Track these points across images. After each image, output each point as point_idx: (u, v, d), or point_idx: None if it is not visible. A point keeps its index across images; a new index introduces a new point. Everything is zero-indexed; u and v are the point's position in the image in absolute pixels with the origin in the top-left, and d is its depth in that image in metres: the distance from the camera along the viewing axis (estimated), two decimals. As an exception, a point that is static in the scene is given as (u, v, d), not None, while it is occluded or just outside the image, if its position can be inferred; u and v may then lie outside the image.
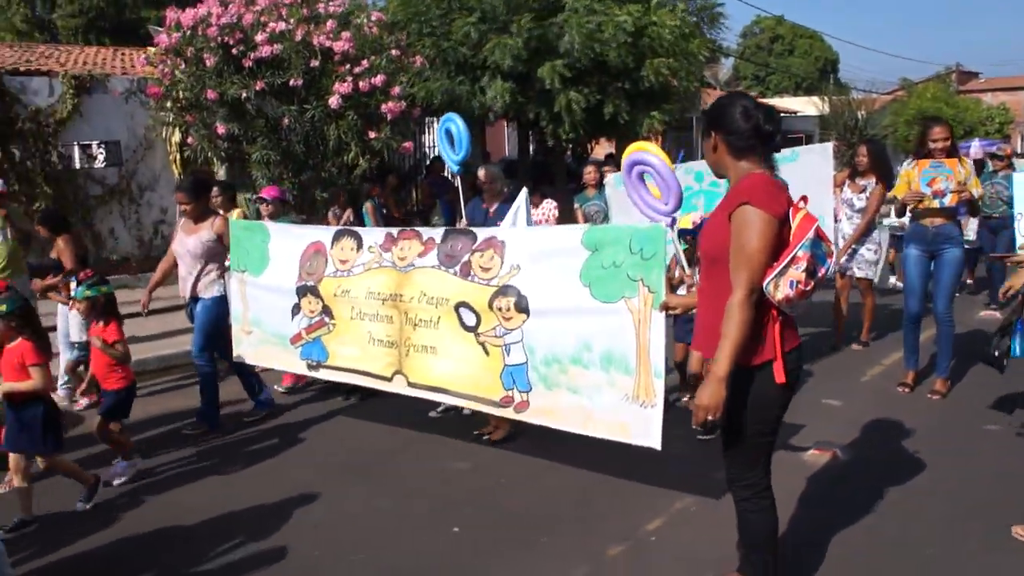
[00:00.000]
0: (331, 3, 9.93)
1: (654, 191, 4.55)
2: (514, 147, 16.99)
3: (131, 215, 12.57)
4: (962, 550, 3.87)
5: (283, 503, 4.66)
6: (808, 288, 2.89)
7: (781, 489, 4.50)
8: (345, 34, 9.38)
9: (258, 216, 7.93)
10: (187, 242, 6.05)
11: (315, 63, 9.20)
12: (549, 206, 7.96)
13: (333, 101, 9.19)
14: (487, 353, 4.64)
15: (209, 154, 10.32)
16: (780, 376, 2.96)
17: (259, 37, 8.99)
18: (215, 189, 7.26)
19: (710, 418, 2.84)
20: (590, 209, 8.67)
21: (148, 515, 4.59)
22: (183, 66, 9.40)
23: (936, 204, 5.82)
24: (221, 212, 6.82)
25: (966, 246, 9.06)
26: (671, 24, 11.31)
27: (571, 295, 4.25)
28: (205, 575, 3.91)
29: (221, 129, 9.37)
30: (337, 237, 5.52)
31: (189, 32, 9.23)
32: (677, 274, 5.51)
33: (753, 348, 2.92)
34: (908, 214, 6.23)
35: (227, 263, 6.21)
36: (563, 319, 4.32)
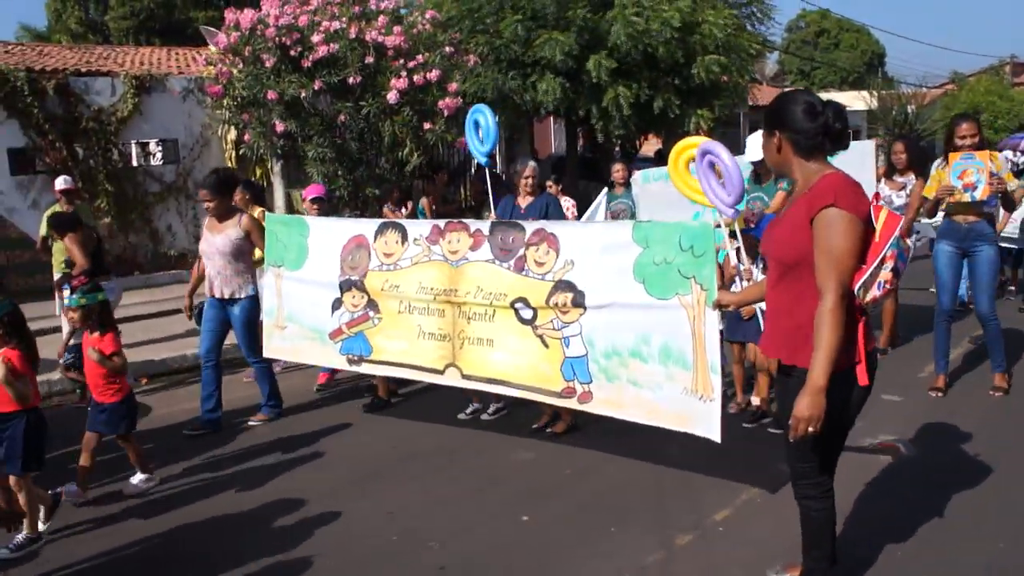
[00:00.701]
0: (383, 1, 10.08)
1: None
2: (561, 143, 17.04)
3: (187, 212, 12.85)
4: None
5: (351, 492, 4.77)
6: (893, 287, 2.89)
7: (842, 483, 4.55)
8: (397, 28, 9.52)
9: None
10: (215, 241, 5.95)
11: (370, 59, 9.34)
12: (567, 204, 7.99)
13: (392, 96, 9.32)
14: (546, 345, 4.67)
15: (264, 152, 10.55)
16: (864, 379, 2.92)
17: (315, 38, 9.15)
18: (238, 188, 7.09)
19: (810, 430, 2.76)
20: (617, 207, 8.50)
21: (214, 505, 4.72)
22: (241, 65, 9.60)
23: (967, 197, 5.64)
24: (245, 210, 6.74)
25: (1008, 244, 8.87)
26: (721, 22, 11.29)
27: (626, 290, 4.29)
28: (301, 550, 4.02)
29: (280, 127, 9.55)
30: (381, 230, 5.45)
31: (248, 32, 9.42)
32: (733, 270, 5.53)
33: (841, 352, 2.81)
34: (940, 213, 6.11)
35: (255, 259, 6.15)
36: (620, 313, 4.35)
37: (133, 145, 12.27)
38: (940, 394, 6.07)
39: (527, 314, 4.73)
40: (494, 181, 6.91)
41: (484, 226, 5.04)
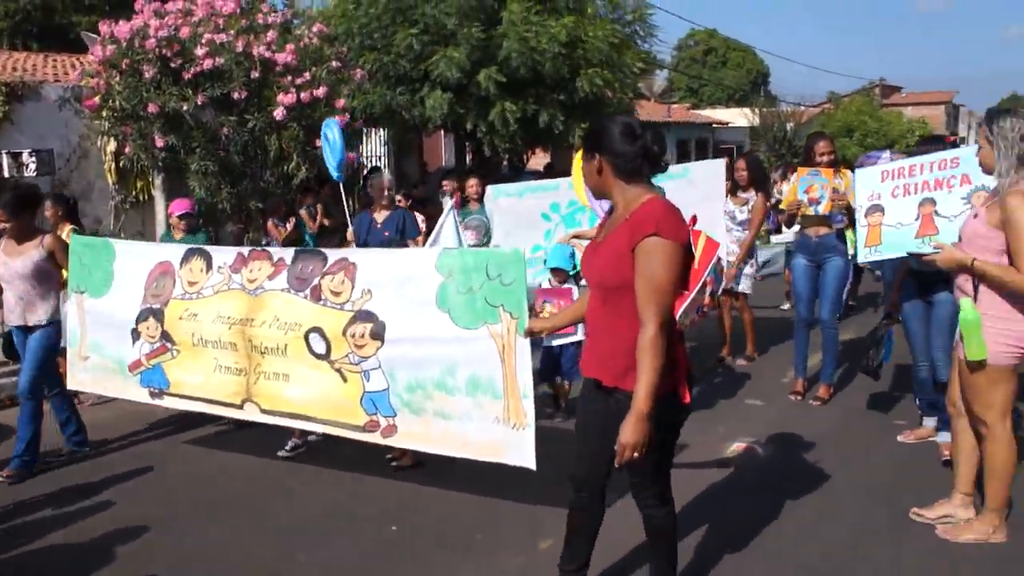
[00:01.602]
0: (271, 15, 10.02)
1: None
2: (451, 157, 17.19)
3: (65, 225, 12.39)
4: (870, 532, 4.18)
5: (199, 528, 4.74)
6: (708, 308, 3.05)
7: (703, 483, 4.83)
8: (289, 46, 9.48)
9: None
10: (14, 265, 5.47)
11: (256, 74, 9.28)
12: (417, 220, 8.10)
13: (279, 113, 9.27)
14: (345, 379, 4.51)
15: (146, 164, 10.33)
16: (687, 397, 3.05)
17: (199, 51, 9.03)
18: (47, 203, 6.77)
19: (636, 455, 2.81)
20: (472, 223, 8.22)
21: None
22: (119, 77, 9.39)
23: (811, 211, 6.09)
24: (51, 229, 6.38)
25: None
26: (603, 35, 11.62)
27: (430, 321, 4.18)
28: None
29: (160, 141, 9.39)
30: (187, 257, 5.23)
31: (125, 45, 9.22)
32: None
33: (664, 377, 2.87)
34: (797, 225, 6.49)
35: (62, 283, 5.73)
36: (424, 345, 4.24)
37: (4, 155, 11.78)
38: (799, 398, 6.46)
39: (320, 347, 4.56)
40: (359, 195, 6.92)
41: (287, 255, 4.90)
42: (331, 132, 6.29)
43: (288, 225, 10.04)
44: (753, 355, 7.80)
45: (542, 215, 7.14)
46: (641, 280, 2.83)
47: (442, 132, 15.81)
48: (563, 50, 11.29)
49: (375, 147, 15.02)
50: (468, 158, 14.71)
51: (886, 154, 7.23)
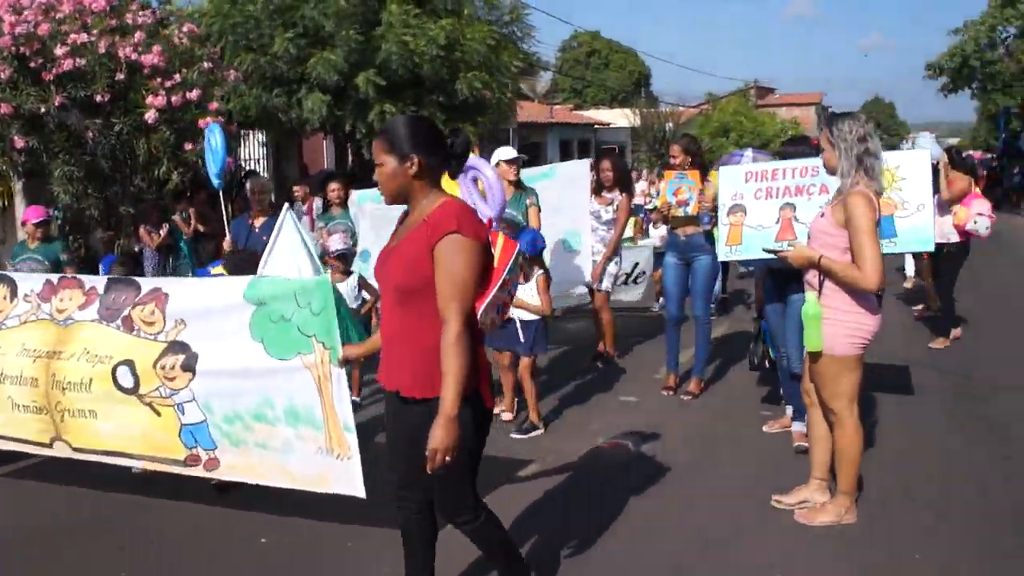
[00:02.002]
0: (140, 15, 9.68)
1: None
2: (332, 160, 16.98)
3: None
4: (734, 521, 4.37)
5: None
6: (509, 310, 2.98)
7: (575, 479, 4.95)
8: (156, 48, 9.18)
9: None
10: None
11: (121, 76, 8.96)
12: None
13: (150, 116, 8.97)
14: (158, 413, 4.28)
15: (4, 168, 9.83)
16: (489, 398, 3.01)
17: (59, 50, 8.66)
18: None
19: (448, 459, 2.74)
20: (336, 228, 8.01)
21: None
22: (-29, 76, 8.92)
23: (680, 212, 6.31)
24: None
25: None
26: (481, 37, 11.71)
27: (244, 352, 4.02)
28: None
29: (19, 142, 8.95)
30: None
31: (-23, 41, 8.77)
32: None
33: (469, 377, 2.83)
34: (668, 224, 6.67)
35: None
36: (239, 377, 4.07)
37: None
38: (671, 392, 6.64)
39: (127, 382, 4.30)
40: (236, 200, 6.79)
41: (100, 283, 4.62)
42: (214, 138, 6.15)
43: (162, 232, 9.75)
44: (611, 354, 7.75)
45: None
46: (443, 278, 2.79)
47: (323, 134, 15.62)
48: (441, 52, 11.33)
49: (254, 150, 14.71)
50: (349, 160, 14.58)
51: (748, 152, 7.48)
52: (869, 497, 4.52)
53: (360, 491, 3.84)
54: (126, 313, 4.40)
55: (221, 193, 6.42)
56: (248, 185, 6.83)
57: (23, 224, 7.37)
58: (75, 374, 4.42)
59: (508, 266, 2.93)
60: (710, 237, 6.44)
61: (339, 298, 3.99)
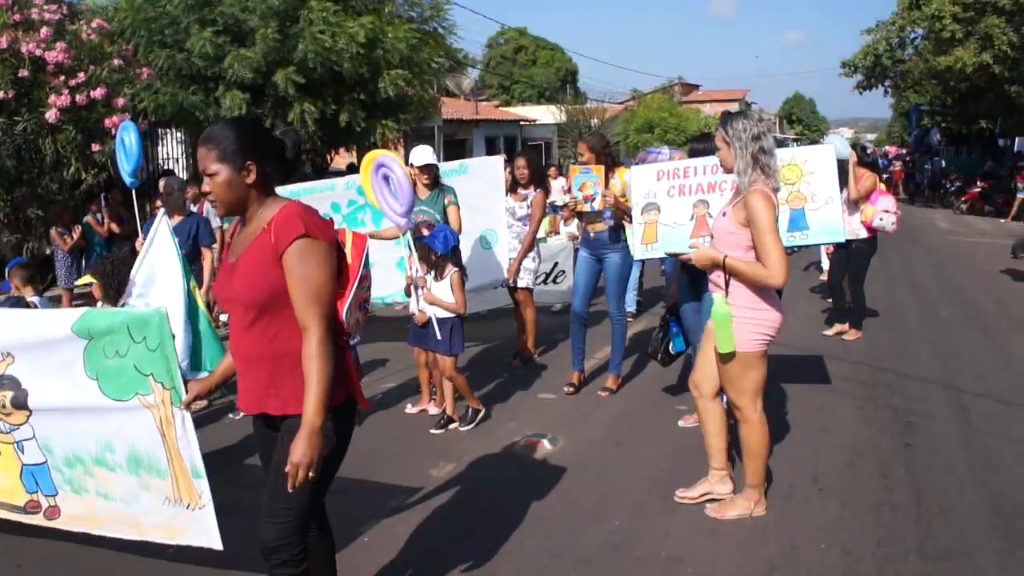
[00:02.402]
0: (46, 10, 9.39)
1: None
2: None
3: None
4: (643, 517, 4.42)
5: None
6: (369, 306, 2.78)
7: (489, 478, 4.97)
8: (60, 44, 8.92)
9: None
10: None
11: (24, 73, 8.67)
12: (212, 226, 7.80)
13: (51, 115, 8.71)
14: None
15: None
16: (363, 401, 2.90)
17: (-43, 45, 8.36)
18: None
19: (311, 475, 2.54)
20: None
21: None
22: None
23: (587, 208, 6.23)
24: None
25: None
26: (402, 36, 11.63)
27: (78, 390, 3.55)
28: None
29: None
30: None
31: None
32: (409, 279, 5.84)
33: (337, 385, 2.68)
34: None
35: None
36: (77, 415, 3.63)
37: None
38: (573, 390, 6.63)
39: None
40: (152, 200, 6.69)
41: None
42: (128, 136, 5.99)
43: (74, 233, 9.53)
44: (531, 353, 7.74)
45: (323, 216, 7.05)
46: (298, 285, 2.61)
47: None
48: (362, 50, 11.21)
49: (171, 148, 14.38)
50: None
51: (665, 150, 7.54)
52: (778, 489, 4.64)
53: (216, 543, 3.46)
54: None
55: (134, 192, 6.27)
56: (161, 184, 6.69)
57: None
58: None
59: (362, 261, 2.80)
60: (618, 234, 6.43)
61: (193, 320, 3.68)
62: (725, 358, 4.16)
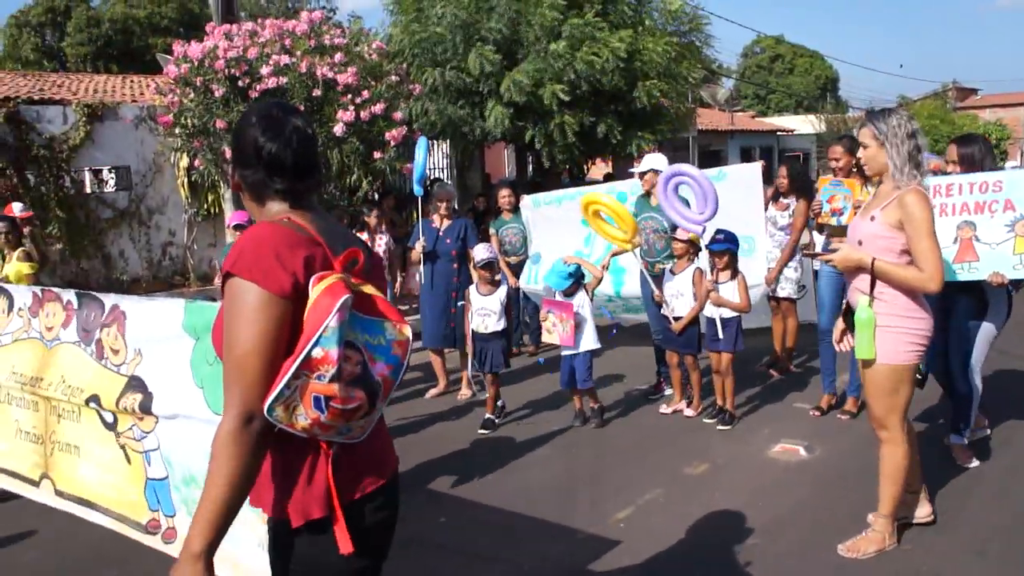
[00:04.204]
0: (336, 35, 10.37)
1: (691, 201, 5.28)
2: (513, 167, 17.39)
3: (140, 237, 13.00)
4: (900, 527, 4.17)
5: None
6: (356, 404, 1.88)
7: (751, 478, 4.93)
8: (352, 69, 9.81)
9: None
10: None
11: (317, 92, 9.63)
12: (382, 241, 8.69)
13: (338, 129, 9.60)
14: (128, 460, 3.50)
15: (216, 178, 10.79)
16: (345, 544, 1.96)
17: (264, 70, 9.42)
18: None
19: None
20: (506, 233, 8.50)
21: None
22: (191, 95, 9.84)
23: (834, 221, 5.82)
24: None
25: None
26: (661, 49, 11.69)
27: (188, 396, 3.17)
28: None
29: (229, 154, 9.77)
30: None
31: (198, 64, 9.67)
32: (659, 297, 6.22)
33: (292, 499, 1.99)
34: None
35: None
36: (188, 427, 3.20)
37: (86, 172, 12.41)
38: (819, 413, 6.28)
39: (108, 416, 3.56)
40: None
41: (74, 298, 3.89)
42: (420, 151, 6.76)
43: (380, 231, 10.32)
44: (788, 367, 7.56)
45: (581, 221, 7.22)
46: (222, 345, 1.93)
47: (504, 144, 16.03)
48: (621, 63, 11.38)
49: (438, 159, 15.36)
50: (529, 169, 14.88)
51: (930, 157, 7.00)
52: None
53: None
54: (97, 336, 3.66)
55: (419, 200, 7.04)
56: (434, 191, 7.26)
57: (228, 226, 8.13)
58: (67, 403, 3.76)
59: (316, 334, 1.82)
60: None
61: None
62: (874, 372, 3.86)
